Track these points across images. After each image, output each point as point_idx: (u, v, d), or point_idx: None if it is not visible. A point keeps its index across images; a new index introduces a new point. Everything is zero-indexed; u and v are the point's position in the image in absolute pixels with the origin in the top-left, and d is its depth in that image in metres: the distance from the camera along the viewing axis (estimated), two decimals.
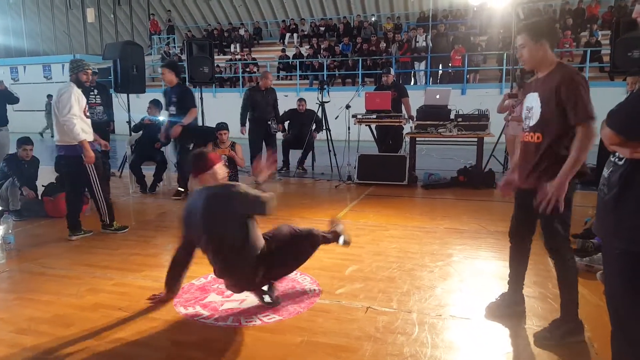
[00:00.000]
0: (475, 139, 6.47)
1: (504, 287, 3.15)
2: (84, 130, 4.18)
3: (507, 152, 6.81)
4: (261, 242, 2.82)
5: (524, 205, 2.54)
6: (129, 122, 7.44)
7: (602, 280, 3.10)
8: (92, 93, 7.38)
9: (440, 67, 14.50)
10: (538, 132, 2.39)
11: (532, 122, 2.42)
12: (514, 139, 6.24)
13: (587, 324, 2.60)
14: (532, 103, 2.42)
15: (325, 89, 7.87)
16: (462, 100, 9.18)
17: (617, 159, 1.60)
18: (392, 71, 7.47)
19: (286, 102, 8.82)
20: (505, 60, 12.96)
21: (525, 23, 2.49)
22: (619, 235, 1.57)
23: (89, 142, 4.25)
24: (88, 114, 4.37)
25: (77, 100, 4.18)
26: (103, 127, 7.50)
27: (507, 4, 9.63)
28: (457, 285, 3.21)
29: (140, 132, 6.56)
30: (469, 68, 13.61)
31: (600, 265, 3.22)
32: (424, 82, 14.66)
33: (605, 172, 1.67)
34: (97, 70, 7.68)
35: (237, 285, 2.87)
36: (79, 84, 4.31)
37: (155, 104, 6.65)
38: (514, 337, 2.52)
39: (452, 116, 6.60)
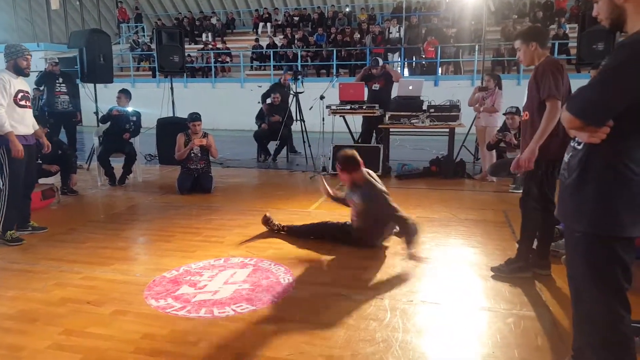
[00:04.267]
0: (447, 130, 6.55)
1: (472, 273, 3.23)
2: (14, 120, 3.85)
3: (478, 142, 6.93)
4: None
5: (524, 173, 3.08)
6: (96, 113, 7.24)
7: (566, 264, 3.20)
8: (57, 81, 7.18)
9: (414, 59, 14.59)
10: (526, 110, 2.97)
11: (524, 104, 3.00)
12: (485, 130, 6.37)
13: (552, 306, 2.70)
14: (526, 89, 3.00)
15: (299, 79, 7.84)
16: (435, 92, 9.27)
17: (576, 144, 1.65)
18: (381, 62, 7.46)
19: (260, 92, 8.76)
20: (477, 52, 13.15)
21: (519, 31, 3.13)
22: (579, 218, 1.62)
23: (26, 134, 3.95)
24: (23, 102, 3.92)
25: (4, 88, 3.80)
26: (69, 117, 7.34)
27: None
28: (428, 271, 3.26)
29: (108, 123, 6.38)
30: (441, 60, 13.75)
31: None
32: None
33: (566, 157, 1.72)
34: (57, 60, 7.42)
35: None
36: (18, 71, 3.92)
37: (125, 94, 6.48)
38: (482, 320, 2.58)
39: (424, 107, 6.66)
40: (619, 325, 1.62)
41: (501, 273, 3.12)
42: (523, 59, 3.02)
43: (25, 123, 3.97)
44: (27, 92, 4.03)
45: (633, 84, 1.45)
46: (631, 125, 1.51)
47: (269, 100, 8.29)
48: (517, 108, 5.67)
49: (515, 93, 9.45)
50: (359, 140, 7.44)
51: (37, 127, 4.20)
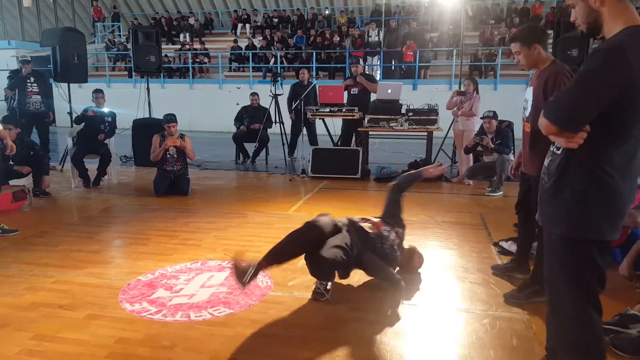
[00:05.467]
0: (425, 133, 6.62)
1: (449, 275, 3.27)
2: None
3: (455, 146, 7.02)
4: None
5: (522, 185, 2.97)
6: (70, 113, 7.08)
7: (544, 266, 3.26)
8: (28, 81, 7.00)
9: (394, 62, 14.71)
10: (529, 122, 2.69)
11: (527, 113, 2.74)
12: (462, 134, 6.46)
13: (526, 307, 2.74)
14: (527, 96, 2.75)
15: (278, 81, 7.83)
16: (413, 96, 9.37)
17: (555, 149, 1.67)
18: (361, 62, 7.52)
19: (239, 94, 8.70)
20: (454, 57, 13.33)
21: (517, 32, 2.79)
22: (557, 222, 1.64)
23: None
24: None
25: None
26: (41, 117, 7.16)
27: (456, 1, 9.89)
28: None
29: (83, 124, 6.25)
30: (420, 64, 13.90)
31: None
32: (377, 77, 14.84)
33: (546, 162, 1.74)
34: (30, 59, 7.27)
35: None
36: None
37: (102, 94, 6.37)
38: (459, 321, 2.60)
39: (403, 111, 6.72)
40: (590, 327, 1.65)
41: (515, 300, 2.79)
42: (525, 63, 2.72)
43: None
44: None
45: (606, 89, 1.46)
46: (608, 130, 1.51)
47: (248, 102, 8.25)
48: (494, 112, 5.77)
49: (492, 98, 9.65)
50: (339, 143, 7.46)
51: (0, 127, 4.07)
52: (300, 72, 8.32)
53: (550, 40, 7.05)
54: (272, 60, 15.13)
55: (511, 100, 10.76)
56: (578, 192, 1.58)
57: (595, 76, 1.47)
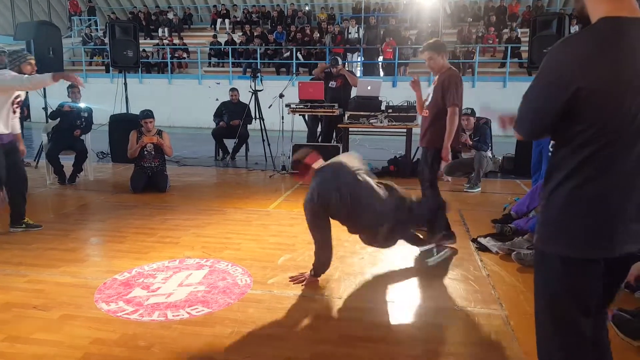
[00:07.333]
0: (405, 130, 6.66)
1: (428, 272, 3.30)
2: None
3: None
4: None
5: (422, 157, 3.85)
6: (45, 109, 6.91)
7: (517, 259, 3.33)
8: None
9: (377, 59, 14.74)
10: (428, 109, 3.64)
11: (427, 104, 3.67)
12: None
13: (504, 303, 2.79)
14: (430, 92, 3.65)
15: (258, 77, 7.77)
16: (393, 92, 9.41)
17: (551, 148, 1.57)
18: (340, 61, 7.49)
19: (218, 90, 8.61)
20: None
21: (428, 44, 3.64)
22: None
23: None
24: (15, 106, 3.94)
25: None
26: None
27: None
28: (385, 270, 3.30)
29: (58, 119, 6.11)
30: (399, 61, 13.96)
31: (520, 248, 3.46)
32: (358, 74, 14.84)
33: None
34: (6, 50, 7.09)
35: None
36: None
37: (78, 89, 6.23)
38: (438, 318, 2.63)
39: (383, 107, 6.74)
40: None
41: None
42: (435, 67, 3.56)
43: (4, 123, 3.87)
44: (21, 100, 4.01)
45: (553, 90, 1.32)
46: (581, 134, 1.32)
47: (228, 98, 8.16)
48: (472, 110, 5.84)
49: (470, 95, 9.70)
50: (319, 139, 7.45)
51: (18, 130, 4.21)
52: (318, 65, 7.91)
53: (526, 39, 7.14)
54: (254, 54, 14.99)
55: (488, 97, 10.96)
56: (552, 201, 1.40)
57: (540, 78, 1.36)
